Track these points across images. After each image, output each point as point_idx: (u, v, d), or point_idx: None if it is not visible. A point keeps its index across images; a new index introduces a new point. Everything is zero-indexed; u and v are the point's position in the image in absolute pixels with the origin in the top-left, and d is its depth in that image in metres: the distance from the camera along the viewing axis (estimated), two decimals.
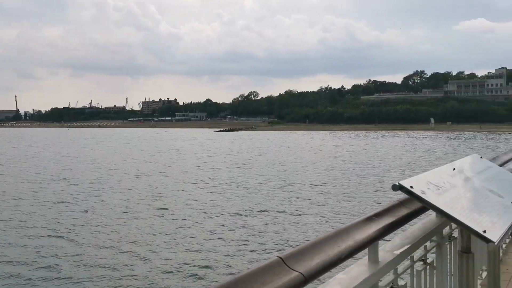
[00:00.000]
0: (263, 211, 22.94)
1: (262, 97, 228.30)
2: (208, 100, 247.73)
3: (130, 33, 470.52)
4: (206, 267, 14.81)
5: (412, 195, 2.37)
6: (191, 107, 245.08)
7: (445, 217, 2.44)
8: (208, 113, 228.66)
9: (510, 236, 5.30)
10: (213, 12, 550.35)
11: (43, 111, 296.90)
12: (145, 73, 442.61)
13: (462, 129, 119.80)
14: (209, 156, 57.01)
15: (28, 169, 42.76)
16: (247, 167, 43.00)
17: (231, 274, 13.87)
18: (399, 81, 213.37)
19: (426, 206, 2.47)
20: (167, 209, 23.86)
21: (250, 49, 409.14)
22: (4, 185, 32.61)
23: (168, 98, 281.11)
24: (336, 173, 37.45)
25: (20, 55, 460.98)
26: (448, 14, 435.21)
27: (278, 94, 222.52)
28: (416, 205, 2.66)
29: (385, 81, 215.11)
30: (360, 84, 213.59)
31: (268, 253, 16.06)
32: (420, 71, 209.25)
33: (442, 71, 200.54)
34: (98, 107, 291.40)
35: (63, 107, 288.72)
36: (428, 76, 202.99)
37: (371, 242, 2.17)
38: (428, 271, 2.87)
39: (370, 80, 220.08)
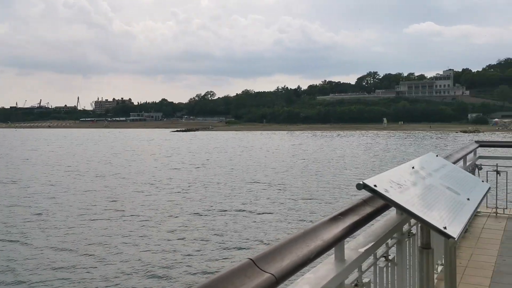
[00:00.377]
0: (223, 210, 22.93)
1: (219, 97, 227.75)
2: (163, 100, 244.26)
3: (81, 31, 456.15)
4: (166, 267, 14.65)
5: (376, 194, 2.41)
6: (146, 107, 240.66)
7: (408, 215, 2.49)
8: (164, 113, 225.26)
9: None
10: (168, 11, 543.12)
11: None
12: (97, 72, 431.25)
13: (413, 128, 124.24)
14: (166, 156, 56.22)
15: None
16: (205, 167, 42.73)
17: (206, 274, 13.81)
18: (353, 82, 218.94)
19: (389, 204, 2.52)
20: (124, 210, 23.40)
21: (206, 48, 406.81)
22: None
23: (122, 98, 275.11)
24: (294, 172, 37.89)
25: None
26: (398, 17, 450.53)
27: (235, 94, 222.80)
28: (379, 203, 2.72)
29: (339, 82, 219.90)
30: (316, 85, 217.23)
31: (229, 251, 16.07)
32: (373, 72, 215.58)
33: (393, 72, 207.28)
34: (48, 107, 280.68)
35: (10, 107, 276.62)
36: (380, 77, 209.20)
37: (338, 241, 2.19)
38: (389, 267, 2.93)
39: (325, 80, 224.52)
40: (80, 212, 23.06)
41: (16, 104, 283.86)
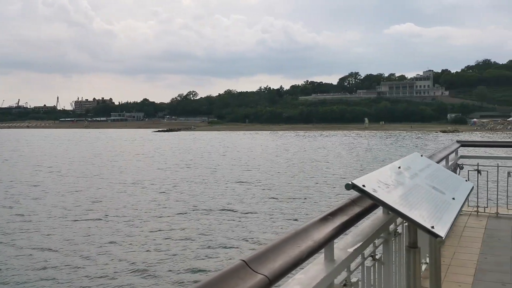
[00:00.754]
0: (208, 210, 22.92)
1: (201, 97, 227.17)
2: (145, 99, 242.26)
3: (61, 29, 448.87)
4: (151, 267, 14.58)
5: (364, 194, 2.43)
6: (127, 107, 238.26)
7: (396, 214, 2.52)
8: (145, 113, 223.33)
9: None
10: (149, 10, 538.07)
11: None
12: (77, 71, 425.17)
13: (394, 128, 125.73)
14: (149, 157, 55.77)
15: None
16: (189, 168, 42.51)
17: (192, 274, 13.77)
18: (335, 82, 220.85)
19: (378, 204, 2.54)
20: (108, 210, 23.21)
21: (188, 48, 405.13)
22: None
23: (102, 98, 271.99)
24: (279, 172, 37.96)
25: None
26: (379, 18, 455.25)
27: (217, 94, 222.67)
28: (367, 203, 2.74)
29: (322, 82, 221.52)
30: (298, 85, 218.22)
31: (213, 250, 16.06)
32: (355, 72, 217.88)
33: (375, 73, 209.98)
34: (27, 107, 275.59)
35: None
36: (362, 77, 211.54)
37: (328, 241, 2.19)
38: (376, 266, 2.96)
39: (307, 80, 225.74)
40: (64, 212, 22.79)
41: None
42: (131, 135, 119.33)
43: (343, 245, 2.52)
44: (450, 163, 6.57)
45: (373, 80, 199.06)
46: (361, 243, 2.61)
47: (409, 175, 3.10)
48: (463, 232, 6.34)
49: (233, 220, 20.73)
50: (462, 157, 7.40)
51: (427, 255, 4.28)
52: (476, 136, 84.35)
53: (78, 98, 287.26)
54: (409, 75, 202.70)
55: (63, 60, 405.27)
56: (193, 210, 22.94)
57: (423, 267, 4.73)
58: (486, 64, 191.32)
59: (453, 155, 6.90)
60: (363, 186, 2.42)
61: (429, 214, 2.54)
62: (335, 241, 2.37)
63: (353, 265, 2.56)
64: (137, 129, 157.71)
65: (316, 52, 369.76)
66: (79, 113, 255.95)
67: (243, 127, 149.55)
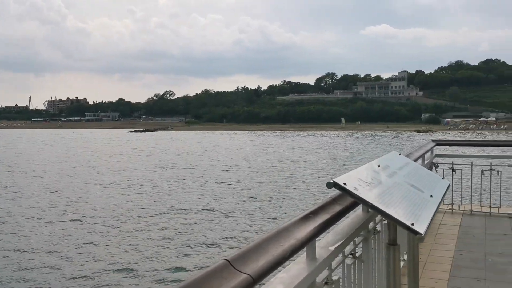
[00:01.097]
0: (187, 209, 22.83)
1: (178, 97, 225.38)
2: (121, 99, 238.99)
3: (33, 28, 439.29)
4: (128, 267, 14.40)
5: (346, 192, 2.44)
6: (102, 107, 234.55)
7: (377, 212, 2.54)
8: (121, 113, 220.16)
9: None
10: (124, 8, 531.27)
11: None
12: (50, 70, 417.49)
13: (370, 128, 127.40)
14: (125, 157, 55.03)
15: None
16: (167, 168, 42.12)
17: (172, 272, 13.65)
18: (312, 82, 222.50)
19: (359, 202, 2.56)
20: (85, 211, 22.89)
21: (165, 47, 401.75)
22: None
23: (76, 97, 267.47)
24: (258, 171, 37.97)
25: None
26: (356, 19, 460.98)
27: (194, 94, 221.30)
28: (347, 201, 2.75)
29: (299, 82, 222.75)
30: (276, 85, 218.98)
31: (193, 250, 15.97)
32: (331, 73, 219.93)
33: (351, 73, 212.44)
34: None
35: None
36: (338, 78, 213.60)
37: (310, 240, 2.20)
38: (357, 264, 2.98)
39: (285, 81, 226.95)
40: (40, 213, 22.40)
41: None
42: (106, 135, 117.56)
43: (325, 244, 2.53)
44: (426, 161, 6.68)
45: (349, 81, 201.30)
46: (342, 241, 2.62)
47: (388, 173, 3.13)
48: (438, 229, 6.46)
49: (212, 220, 20.68)
50: (437, 155, 7.54)
51: (405, 252, 4.35)
52: (450, 136, 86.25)
53: (51, 98, 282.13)
54: (385, 75, 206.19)
55: (36, 59, 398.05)
56: (172, 210, 22.79)
57: (401, 264, 4.80)
58: (458, 65, 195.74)
59: (429, 153, 7.02)
60: (344, 184, 2.43)
61: (408, 212, 2.57)
62: (316, 239, 2.38)
63: (334, 263, 2.57)
64: (112, 129, 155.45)
65: (293, 52, 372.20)
66: (52, 113, 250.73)
67: (221, 127, 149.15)
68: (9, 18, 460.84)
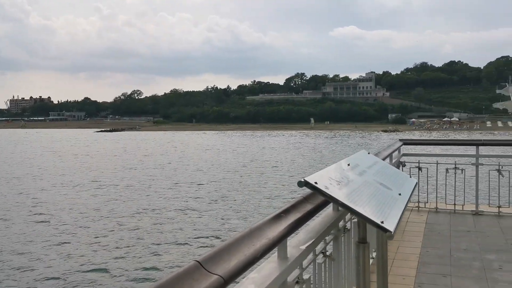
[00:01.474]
0: (158, 209, 22.60)
1: (146, 96, 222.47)
2: (86, 98, 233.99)
3: None
4: (97, 269, 14.08)
5: (317, 191, 2.44)
6: (67, 106, 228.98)
7: (348, 211, 2.55)
8: (87, 113, 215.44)
9: None
10: (90, 6, 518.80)
11: None
12: (12, 69, 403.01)
13: (339, 128, 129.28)
14: (91, 157, 53.87)
15: None
16: (133, 169, 41.48)
17: (142, 273, 13.43)
18: (281, 82, 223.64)
19: (330, 200, 2.56)
20: (50, 213, 22.27)
21: (132, 46, 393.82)
22: None
23: (40, 96, 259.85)
24: (229, 171, 37.87)
25: None
26: (325, 20, 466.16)
27: (163, 93, 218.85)
28: (318, 200, 2.76)
29: (268, 82, 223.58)
30: (246, 85, 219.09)
31: (164, 249, 15.78)
32: (301, 73, 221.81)
33: (320, 74, 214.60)
34: None
35: None
36: (308, 78, 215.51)
37: (281, 239, 2.18)
38: (327, 262, 2.99)
39: (255, 80, 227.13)
40: (7, 214, 21.78)
41: None
42: (71, 135, 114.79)
43: (296, 243, 2.53)
44: (393, 160, 6.80)
45: (318, 81, 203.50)
46: (313, 240, 2.63)
47: (358, 172, 3.16)
48: (405, 227, 6.59)
49: (184, 219, 20.54)
50: (404, 154, 7.70)
51: (374, 250, 4.41)
52: (415, 135, 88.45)
53: (13, 97, 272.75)
54: (353, 76, 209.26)
55: None
56: (143, 211, 22.50)
57: (370, 261, 4.86)
58: (423, 67, 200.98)
59: (396, 152, 7.16)
60: (316, 183, 2.43)
61: (378, 210, 2.60)
62: (288, 238, 2.37)
63: (305, 262, 2.58)
64: (77, 129, 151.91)
65: (262, 52, 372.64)
66: (14, 112, 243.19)
67: (190, 127, 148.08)
68: None
